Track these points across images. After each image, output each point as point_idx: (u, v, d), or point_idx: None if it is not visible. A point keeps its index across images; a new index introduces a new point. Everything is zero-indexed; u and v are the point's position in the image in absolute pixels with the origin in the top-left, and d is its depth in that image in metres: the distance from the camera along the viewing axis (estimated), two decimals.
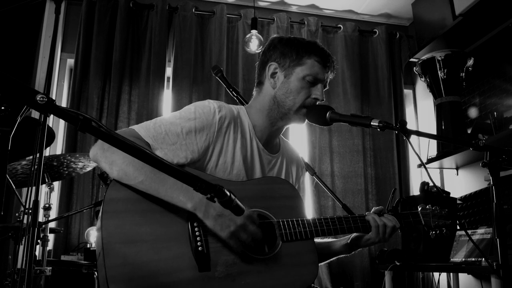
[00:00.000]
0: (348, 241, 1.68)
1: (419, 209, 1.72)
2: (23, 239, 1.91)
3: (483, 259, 2.42)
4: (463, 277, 3.29)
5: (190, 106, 1.54)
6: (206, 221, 1.30)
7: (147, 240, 1.28)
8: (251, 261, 1.36)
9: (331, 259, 1.77)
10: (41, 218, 2.42)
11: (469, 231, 2.80)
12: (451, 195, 3.19)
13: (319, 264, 1.50)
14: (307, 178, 1.90)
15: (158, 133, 1.43)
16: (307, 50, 1.60)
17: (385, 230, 1.59)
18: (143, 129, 1.44)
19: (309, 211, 3.61)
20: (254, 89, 1.71)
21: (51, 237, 3.00)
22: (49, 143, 2.51)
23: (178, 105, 3.60)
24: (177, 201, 1.30)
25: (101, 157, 1.35)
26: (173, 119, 1.48)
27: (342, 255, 1.73)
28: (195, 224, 1.34)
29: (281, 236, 1.45)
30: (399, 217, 1.66)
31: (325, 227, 1.52)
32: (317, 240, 1.60)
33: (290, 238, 1.45)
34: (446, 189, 3.68)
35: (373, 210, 1.67)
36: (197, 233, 1.32)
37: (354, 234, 1.66)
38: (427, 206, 1.74)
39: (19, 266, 2.14)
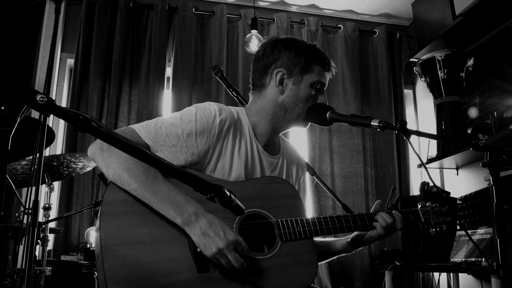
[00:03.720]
0: (349, 240, 1.67)
1: (419, 206, 1.71)
2: (23, 239, 1.91)
3: (483, 259, 2.41)
4: (463, 277, 3.29)
5: (191, 107, 1.52)
6: (193, 238, 1.29)
7: (145, 241, 1.28)
8: (250, 261, 1.36)
9: (332, 258, 1.77)
10: (41, 218, 2.42)
11: (469, 231, 2.79)
12: (451, 195, 3.19)
13: (320, 263, 1.50)
14: (307, 178, 1.89)
15: (159, 135, 1.42)
16: (313, 56, 1.61)
17: (392, 229, 1.60)
18: (144, 130, 1.43)
19: (309, 211, 3.61)
20: (251, 92, 1.69)
21: (51, 237, 3.00)
22: (49, 143, 2.51)
23: (178, 105, 3.60)
24: (167, 214, 1.30)
25: (99, 157, 1.36)
26: (173, 121, 1.47)
27: (343, 254, 1.72)
28: None
29: (280, 236, 1.44)
30: None
31: (324, 226, 1.52)
32: (317, 239, 1.60)
33: (289, 237, 1.45)
34: (446, 189, 3.68)
35: (373, 208, 1.67)
36: None
37: (354, 233, 1.65)
38: (427, 204, 1.73)
39: (19, 266, 2.14)
